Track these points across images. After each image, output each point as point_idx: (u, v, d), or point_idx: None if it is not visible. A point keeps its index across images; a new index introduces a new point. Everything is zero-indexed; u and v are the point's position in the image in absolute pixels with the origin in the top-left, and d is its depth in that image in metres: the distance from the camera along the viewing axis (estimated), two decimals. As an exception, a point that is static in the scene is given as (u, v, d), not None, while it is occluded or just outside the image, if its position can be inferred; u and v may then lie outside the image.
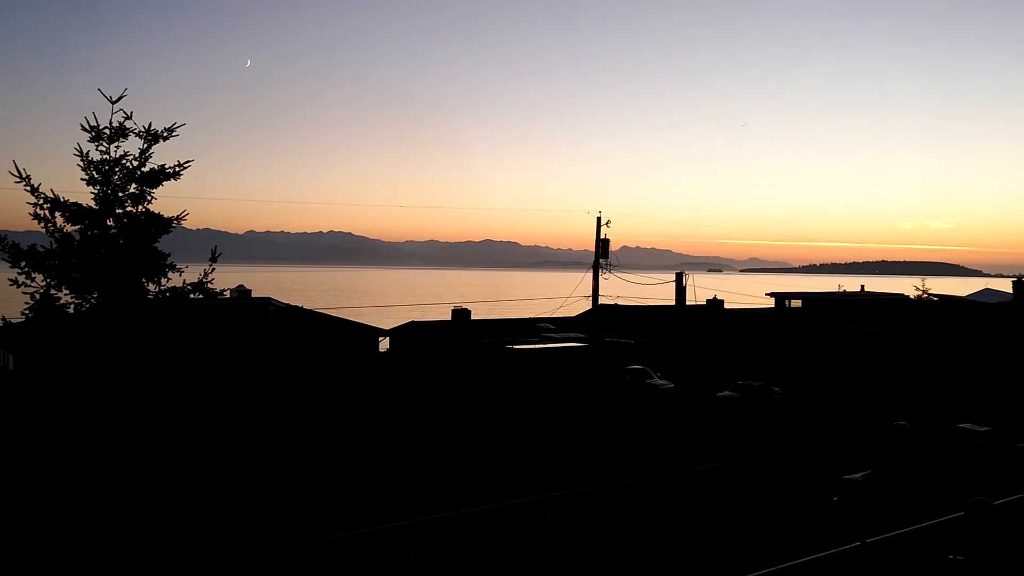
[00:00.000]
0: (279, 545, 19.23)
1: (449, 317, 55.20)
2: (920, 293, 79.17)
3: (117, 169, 19.97)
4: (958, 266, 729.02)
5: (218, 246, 21.44)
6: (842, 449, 30.49)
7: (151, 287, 19.88)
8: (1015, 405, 38.33)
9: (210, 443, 28.15)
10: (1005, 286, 71.68)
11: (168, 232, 20.44)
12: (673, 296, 57.00)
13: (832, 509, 22.72)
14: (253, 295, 48.65)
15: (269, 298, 47.27)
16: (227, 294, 33.95)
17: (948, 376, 45.57)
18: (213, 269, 19.97)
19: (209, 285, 19.90)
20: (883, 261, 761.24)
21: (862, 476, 23.95)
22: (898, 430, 31.39)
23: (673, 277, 57.05)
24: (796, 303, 71.08)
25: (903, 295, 77.24)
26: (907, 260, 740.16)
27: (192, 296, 19.77)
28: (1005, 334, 52.01)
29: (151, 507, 20.93)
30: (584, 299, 48.10)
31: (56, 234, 19.65)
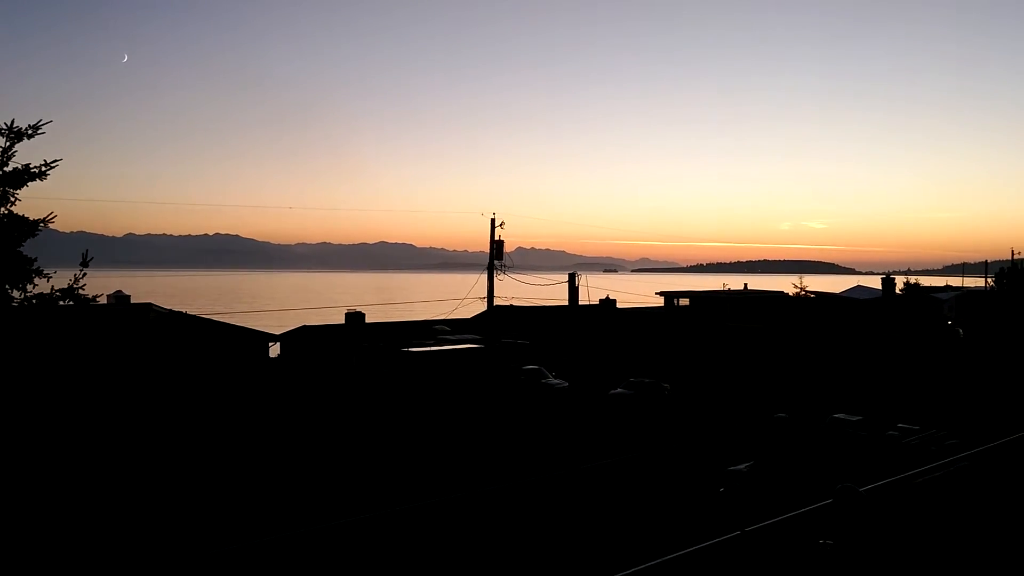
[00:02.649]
0: (156, 556, 18.43)
1: (343, 321, 54.21)
2: (798, 290, 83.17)
3: (-24, 168, 18.70)
4: (833, 264, 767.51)
5: (93, 249, 20.35)
6: (728, 441, 31.66)
7: (15, 294, 18.66)
8: (884, 395, 40.83)
9: (83, 454, 26.69)
10: (875, 283, 76.23)
11: (35, 235, 19.25)
12: (567, 296, 57.96)
13: (719, 500, 23.54)
14: (133, 300, 46.34)
15: (150, 303, 45.15)
16: (103, 300, 32.23)
17: (824, 368, 48.08)
18: (84, 274, 18.90)
19: (80, 291, 18.80)
20: (765, 260, 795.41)
21: (746, 467, 24.95)
22: (778, 422, 32.89)
23: (567, 278, 58.01)
24: (684, 301, 73.50)
25: (783, 292, 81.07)
26: (787, 259, 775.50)
27: (62, 303, 18.65)
28: (875, 328, 55.34)
29: (25, 518, 19.68)
30: (480, 300, 48.13)
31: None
